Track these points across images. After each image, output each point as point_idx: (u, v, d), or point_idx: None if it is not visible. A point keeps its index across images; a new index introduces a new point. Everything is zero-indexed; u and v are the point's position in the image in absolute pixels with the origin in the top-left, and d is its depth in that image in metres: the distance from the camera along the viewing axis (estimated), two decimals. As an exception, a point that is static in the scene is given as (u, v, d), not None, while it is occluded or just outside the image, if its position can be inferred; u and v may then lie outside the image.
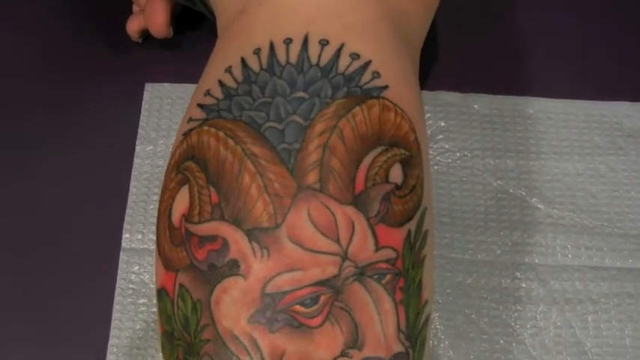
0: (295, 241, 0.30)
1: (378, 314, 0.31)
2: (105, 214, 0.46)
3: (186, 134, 0.35)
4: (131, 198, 0.46)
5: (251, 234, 0.31)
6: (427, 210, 0.36)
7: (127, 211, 0.46)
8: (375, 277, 0.31)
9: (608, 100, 0.51)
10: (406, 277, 0.33)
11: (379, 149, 0.33)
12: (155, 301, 0.41)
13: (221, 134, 0.32)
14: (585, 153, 0.49)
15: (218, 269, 0.31)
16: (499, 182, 0.47)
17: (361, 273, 0.31)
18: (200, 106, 0.35)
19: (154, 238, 0.39)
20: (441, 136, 0.48)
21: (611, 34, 0.53)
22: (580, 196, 0.48)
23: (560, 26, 0.54)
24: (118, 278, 0.44)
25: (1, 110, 0.50)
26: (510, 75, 0.51)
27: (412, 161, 0.35)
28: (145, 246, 0.45)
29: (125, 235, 0.45)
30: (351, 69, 0.34)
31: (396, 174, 0.33)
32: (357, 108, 0.33)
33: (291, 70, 0.34)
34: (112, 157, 0.48)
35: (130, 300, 0.44)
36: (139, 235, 0.45)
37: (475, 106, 0.50)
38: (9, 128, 0.50)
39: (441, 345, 0.43)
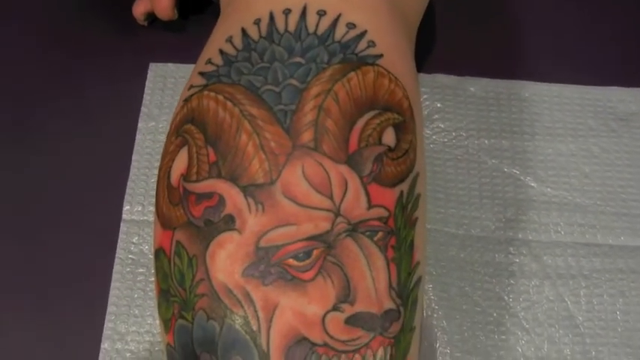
0: (289, 197, 0.31)
1: (369, 270, 0.31)
2: (107, 186, 0.46)
3: (186, 100, 0.35)
4: (132, 172, 0.46)
5: (247, 190, 0.31)
6: (420, 175, 0.36)
7: (129, 184, 0.46)
8: (367, 233, 0.31)
9: (602, 86, 0.51)
10: (398, 236, 0.33)
11: (373, 112, 0.33)
12: (153, 271, 0.42)
13: (220, 97, 0.33)
14: (579, 135, 0.49)
15: (214, 225, 0.31)
16: (494, 161, 0.47)
17: (353, 229, 0.31)
18: (201, 73, 0.35)
19: (153, 209, 0.39)
20: (437, 116, 0.48)
21: (607, 21, 0.53)
22: (573, 175, 0.47)
23: (557, 13, 0.54)
24: (117, 248, 0.44)
25: (10, 89, 0.50)
26: (507, 60, 0.51)
27: (405, 126, 0.35)
28: (145, 218, 0.45)
29: (126, 207, 0.46)
30: (347, 37, 0.34)
31: (389, 137, 0.33)
32: (352, 73, 0.34)
33: (290, 37, 0.34)
34: (115, 132, 0.48)
35: (128, 269, 0.44)
36: (139, 207, 0.46)
37: (471, 88, 0.50)
38: (17, 105, 0.50)
39: (435, 315, 0.43)
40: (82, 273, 0.44)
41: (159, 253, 0.34)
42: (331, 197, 0.31)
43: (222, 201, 0.31)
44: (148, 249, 0.44)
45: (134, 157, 0.47)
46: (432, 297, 0.43)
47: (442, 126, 0.48)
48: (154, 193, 0.46)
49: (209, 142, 0.32)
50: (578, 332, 0.43)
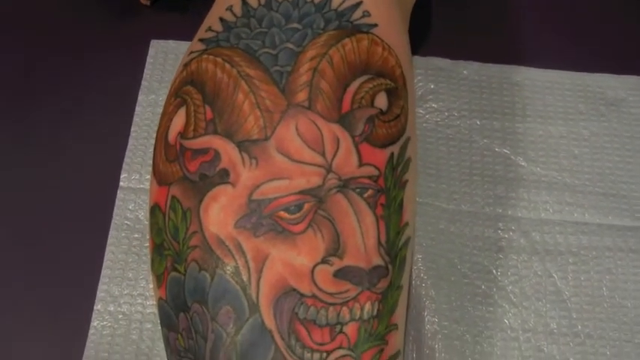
0: (283, 153, 0.31)
1: (359, 225, 0.32)
2: (105, 156, 0.47)
3: (186, 64, 0.35)
4: (131, 142, 0.47)
5: (241, 145, 0.31)
6: (410, 140, 0.36)
7: (127, 153, 0.46)
8: (358, 190, 0.32)
9: (593, 72, 0.51)
10: (387, 195, 0.33)
11: (366, 77, 0.33)
12: (148, 237, 0.42)
13: (219, 60, 0.33)
14: (569, 118, 0.49)
15: (209, 179, 0.32)
16: (485, 141, 0.48)
17: (344, 185, 0.31)
18: (201, 40, 0.35)
19: (150, 177, 0.40)
20: (430, 97, 0.49)
21: (599, 10, 0.54)
22: (563, 156, 0.48)
23: (551, 1, 0.54)
24: (113, 214, 0.45)
25: (12, 62, 0.51)
26: (500, 45, 0.52)
27: (397, 93, 0.35)
28: (142, 186, 0.46)
29: (123, 175, 0.46)
30: (343, 6, 0.35)
31: (381, 101, 0.34)
32: (347, 39, 0.34)
33: (287, 5, 0.35)
34: (116, 105, 0.48)
35: (124, 235, 0.44)
36: (136, 175, 0.46)
37: (464, 71, 0.50)
38: (20, 79, 0.50)
39: (423, 285, 0.43)
40: (79, 237, 0.44)
41: (154, 209, 0.35)
42: (323, 154, 0.32)
43: (217, 156, 0.32)
44: (144, 215, 0.45)
45: (133, 128, 0.47)
46: (421, 267, 0.43)
47: (435, 106, 0.49)
48: (151, 162, 0.46)
49: (207, 102, 0.33)
50: (565, 307, 0.43)
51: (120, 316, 0.42)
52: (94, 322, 0.42)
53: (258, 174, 0.31)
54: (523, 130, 0.48)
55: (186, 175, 0.32)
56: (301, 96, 0.32)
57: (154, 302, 0.43)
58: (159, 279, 0.34)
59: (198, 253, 0.31)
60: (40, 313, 0.43)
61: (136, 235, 0.44)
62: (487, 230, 0.45)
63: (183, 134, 0.33)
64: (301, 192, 0.31)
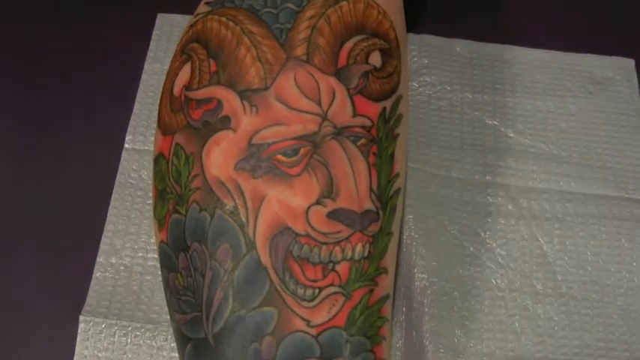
0: (281, 101, 0.33)
1: (352, 171, 0.33)
2: (112, 118, 0.48)
3: (192, 25, 0.37)
4: (136, 107, 0.49)
5: (243, 94, 0.33)
6: (402, 99, 0.38)
7: (132, 117, 0.48)
8: (351, 138, 0.33)
9: (581, 53, 0.53)
10: (379, 145, 0.35)
11: (361, 36, 0.35)
12: (151, 194, 0.44)
13: (223, 19, 0.35)
14: (557, 95, 0.51)
15: (211, 125, 0.33)
16: (475, 113, 0.50)
17: (338, 133, 0.33)
18: (206, 3, 0.37)
19: (154, 139, 0.42)
20: (424, 71, 0.51)
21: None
22: (550, 129, 0.50)
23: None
24: (118, 173, 0.46)
25: (19, 32, 0.53)
26: (492, 25, 0.54)
27: (391, 53, 0.37)
28: (146, 147, 0.47)
29: (128, 137, 0.48)
30: None
31: (376, 59, 0.36)
32: (345, 1, 0.36)
33: None
34: (122, 73, 0.50)
35: (127, 192, 0.46)
36: (140, 138, 0.48)
37: (457, 48, 0.52)
38: (28, 48, 0.52)
39: (414, 243, 0.44)
40: (85, 194, 0.46)
41: (158, 158, 0.36)
42: (319, 103, 0.33)
43: (219, 104, 0.33)
44: (147, 175, 0.46)
45: (138, 94, 0.49)
46: (412, 227, 0.45)
47: (428, 80, 0.50)
48: (155, 125, 0.48)
49: (211, 56, 0.34)
50: (550, 269, 0.45)
51: (121, 268, 0.44)
52: (97, 274, 0.44)
53: (258, 120, 0.33)
54: (512, 104, 0.50)
55: (189, 123, 0.34)
56: (300, 50, 0.34)
57: (155, 255, 0.45)
58: (160, 223, 0.36)
59: (199, 195, 0.33)
60: (45, 264, 0.44)
61: (139, 193, 0.46)
62: (476, 196, 0.47)
63: (187, 86, 0.35)
64: (298, 137, 0.32)
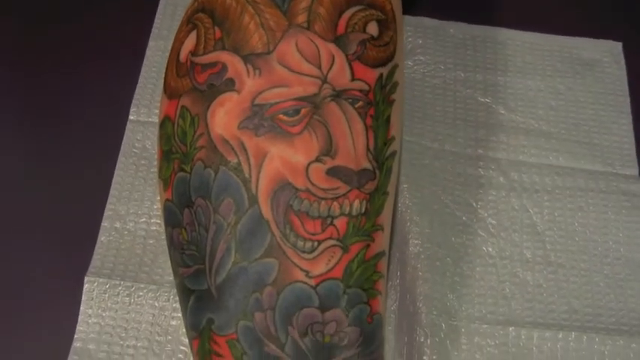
0: (283, 65, 0.34)
1: (350, 131, 0.35)
2: (117, 91, 0.50)
3: None
4: (140, 80, 0.50)
5: (247, 58, 0.34)
6: (398, 68, 0.39)
7: (137, 90, 0.50)
8: (350, 100, 0.35)
9: (571, 36, 0.55)
10: (376, 108, 0.36)
11: (359, 7, 0.37)
12: (155, 163, 0.45)
13: None
14: (547, 74, 0.53)
15: (216, 87, 0.35)
16: (468, 91, 0.51)
17: (337, 95, 0.34)
18: None
19: (157, 111, 0.43)
20: (419, 51, 0.52)
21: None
22: (540, 107, 0.51)
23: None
24: (122, 143, 0.48)
25: (32, 9, 0.54)
26: (485, 10, 0.55)
27: (387, 24, 0.38)
28: (150, 119, 0.49)
29: (132, 109, 0.49)
30: None
31: (373, 28, 0.37)
32: None
33: None
34: (127, 50, 0.52)
35: (131, 161, 0.47)
36: (144, 110, 0.49)
37: (451, 30, 0.54)
38: (40, 24, 0.54)
39: (408, 211, 0.46)
40: (90, 162, 0.48)
41: (164, 121, 0.37)
42: (319, 67, 0.35)
43: (224, 68, 0.35)
44: (150, 145, 0.48)
45: (143, 69, 0.51)
46: (407, 195, 0.46)
47: (423, 59, 0.52)
48: (159, 98, 0.49)
49: (216, 23, 0.36)
50: (540, 239, 0.47)
51: (125, 232, 0.45)
52: (101, 237, 0.45)
53: (261, 82, 0.34)
54: (504, 83, 0.52)
55: (195, 87, 0.35)
56: (301, 18, 0.35)
57: (158, 220, 0.47)
58: (165, 183, 0.37)
59: (204, 153, 0.34)
60: (50, 228, 0.46)
61: (143, 162, 0.47)
62: (468, 168, 0.48)
63: (193, 52, 0.36)
64: (299, 98, 0.34)
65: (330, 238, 0.34)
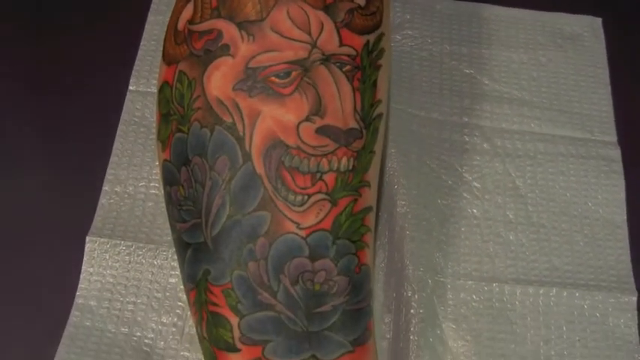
0: (275, 31, 0.36)
1: (338, 93, 0.36)
2: (117, 63, 0.52)
3: None
4: (140, 53, 0.52)
5: (241, 25, 0.36)
6: (385, 36, 0.41)
7: (136, 62, 0.52)
8: (338, 64, 0.36)
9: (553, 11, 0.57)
10: (363, 72, 0.38)
11: None
12: (154, 130, 0.47)
13: None
14: (529, 47, 0.54)
15: (212, 53, 0.36)
16: (453, 62, 0.53)
17: (326, 59, 0.36)
18: None
19: (156, 82, 0.45)
20: (407, 25, 0.54)
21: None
22: (523, 78, 0.53)
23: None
24: (122, 112, 0.50)
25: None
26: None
27: None
28: (148, 89, 0.51)
29: (132, 80, 0.51)
30: None
31: None
32: None
33: None
34: (127, 23, 0.54)
35: (131, 128, 0.49)
36: (143, 81, 0.51)
37: (437, 6, 0.56)
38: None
39: (395, 174, 0.47)
40: (92, 130, 0.49)
41: (163, 86, 0.39)
42: (309, 33, 0.36)
43: (220, 34, 0.36)
44: (149, 113, 0.50)
45: (142, 42, 0.52)
46: (394, 159, 0.48)
47: (410, 33, 0.54)
48: (157, 70, 0.51)
49: None
50: (522, 201, 0.48)
51: (125, 196, 0.47)
52: (102, 200, 0.47)
53: (255, 47, 0.36)
54: (488, 55, 0.54)
55: (192, 52, 0.37)
56: None
57: (156, 184, 0.48)
58: (164, 144, 0.38)
59: (200, 114, 0.36)
60: (54, 189, 0.48)
61: (142, 130, 0.49)
62: (454, 135, 0.50)
63: (191, 21, 0.38)
64: (290, 62, 0.35)
65: (320, 192, 0.35)
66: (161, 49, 0.41)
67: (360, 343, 0.36)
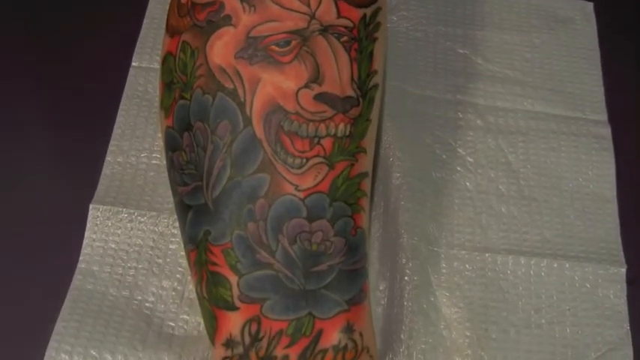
0: (276, 2, 0.37)
1: (335, 62, 0.37)
2: (121, 40, 0.53)
3: None
4: (143, 31, 0.53)
5: None
6: (381, 11, 0.41)
7: (139, 39, 0.53)
8: (335, 35, 0.37)
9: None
10: (360, 43, 0.39)
11: None
12: (156, 104, 0.48)
13: None
14: (522, 30, 0.56)
15: (214, 23, 0.37)
16: (448, 43, 0.54)
17: (324, 30, 0.37)
18: None
19: (158, 58, 0.46)
20: (402, 7, 0.56)
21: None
22: (516, 59, 0.54)
23: None
24: (125, 87, 0.51)
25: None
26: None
27: None
28: (151, 65, 0.52)
29: (135, 57, 0.52)
30: None
31: None
32: None
33: None
34: (129, 2, 0.55)
35: (134, 102, 0.50)
36: (146, 57, 0.52)
37: (432, -11, 0.58)
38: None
39: (391, 147, 0.48)
40: (95, 103, 0.51)
41: (166, 57, 0.40)
42: (308, 5, 0.37)
43: (222, 5, 0.37)
44: (152, 88, 0.51)
45: (145, 20, 0.54)
46: (390, 133, 0.49)
47: (406, 14, 0.55)
48: (159, 47, 0.52)
49: None
50: (514, 176, 0.49)
51: (127, 166, 0.48)
52: (106, 170, 0.48)
53: (256, 17, 0.37)
54: (482, 37, 0.55)
55: (195, 23, 0.38)
56: None
57: (158, 155, 0.49)
58: (166, 111, 0.39)
59: (203, 81, 0.37)
60: (57, 159, 0.49)
61: (144, 103, 0.50)
62: (448, 112, 0.51)
63: None
64: (290, 32, 0.36)
65: (317, 155, 0.37)
66: (163, 27, 0.42)
67: (355, 302, 0.37)
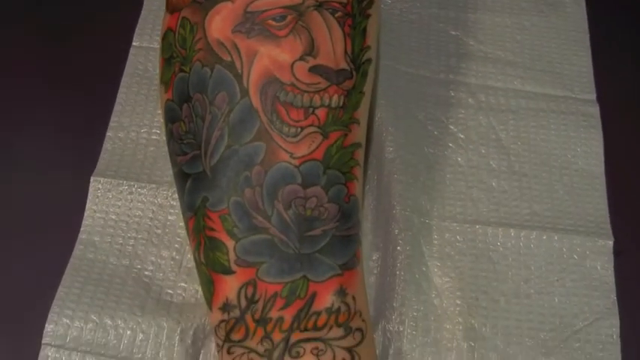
0: None
1: (330, 36, 0.39)
2: (121, 21, 0.54)
3: None
4: (143, 12, 0.55)
5: None
6: None
7: (139, 21, 0.54)
8: (330, 10, 0.39)
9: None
10: (354, 19, 0.40)
11: None
12: (156, 82, 0.49)
13: None
14: (513, 13, 0.57)
15: None
16: (441, 25, 0.56)
17: (319, 6, 0.39)
18: None
19: (158, 39, 0.47)
20: (397, -10, 0.58)
21: None
22: (507, 40, 0.55)
23: None
24: (126, 66, 0.52)
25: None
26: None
27: None
28: (151, 45, 0.53)
29: (136, 37, 0.54)
30: None
31: None
32: None
33: None
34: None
35: (134, 80, 0.52)
36: (146, 37, 0.54)
37: (426, -28, 0.59)
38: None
39: (384, 122, 0.49)
40: (95, 80, 0.52)
41: (166, 33, 0.41)
42: None
43: None
44: (152, 67, 0.52)
45: (145, 1, 0.55)
46: (383, 109, 0.50)
47: (400, -3, 0.58)
48: (159, 27, 0.53)
49: None
50: (505, 152, 0.50)
51: (128, 141, 0.49)
52: (106, 145, 0.49)
53: None
54: (474, 19, 0.56)
55: (194, 0, 0.40)
56: None
57: (157, 130, 0.50)
58: (166, 85, 0.41)
59: (201, 54, 0.38)
60: (63, 135, 0.51)
61: (145, 81, 0.52)
62: (440, 90, 0.52)
63: None
64: (286, 7, 0.38)
65: (312, 125, 0.38)
66: (163, 8, 0.43)
67: (348, 267, 0.38)
